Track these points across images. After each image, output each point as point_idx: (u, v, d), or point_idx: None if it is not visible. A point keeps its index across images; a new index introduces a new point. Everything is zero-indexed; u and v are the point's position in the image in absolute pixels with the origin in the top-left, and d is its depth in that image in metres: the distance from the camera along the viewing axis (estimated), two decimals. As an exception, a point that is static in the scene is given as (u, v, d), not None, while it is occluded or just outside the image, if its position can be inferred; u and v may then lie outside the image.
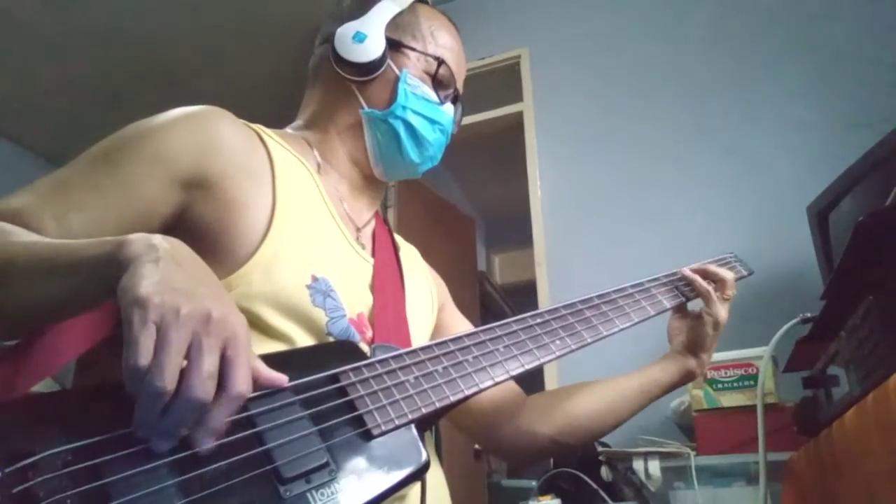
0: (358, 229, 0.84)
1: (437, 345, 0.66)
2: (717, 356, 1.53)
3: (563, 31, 2.74)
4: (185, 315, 0.45)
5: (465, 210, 3.82)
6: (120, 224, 0.63)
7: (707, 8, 2.49)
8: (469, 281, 3.47)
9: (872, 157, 1.36)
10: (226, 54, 3.33)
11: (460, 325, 0.98)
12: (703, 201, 2.24)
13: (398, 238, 0.95)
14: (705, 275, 0.95)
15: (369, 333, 0.74)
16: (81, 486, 0.43)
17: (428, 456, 0.58)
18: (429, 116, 0.85)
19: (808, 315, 1.06)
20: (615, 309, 0.84)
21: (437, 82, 0.87)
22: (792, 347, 1.07)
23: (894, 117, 1.79)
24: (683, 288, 0.95)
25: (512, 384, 0.92)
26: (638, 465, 1.52)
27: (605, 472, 1.57)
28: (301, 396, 0.54)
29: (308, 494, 0.49)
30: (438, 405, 0.61)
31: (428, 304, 0.92)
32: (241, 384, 0.47)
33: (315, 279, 0.70)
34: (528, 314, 0.76)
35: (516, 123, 2.70)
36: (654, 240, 2.21)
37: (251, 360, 0.49)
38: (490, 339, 0.70)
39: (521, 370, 0.69)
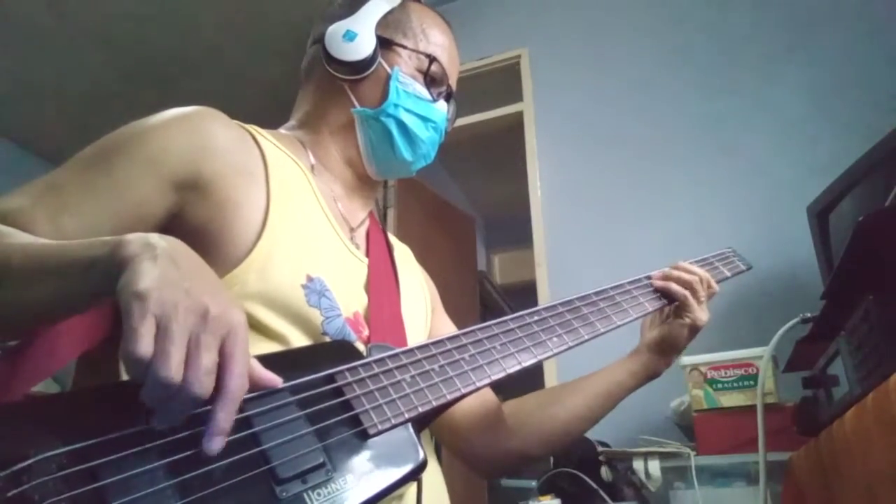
0: (352, 229, 0.84)
1: (433, 344, 0.66)
2: (717, 356, 1.53)
3: (563, 31, 2.74)
4: (184, 309, 0.45)
5: (464, 210, 3.82)
6: (114, 225, 0.63)
7: (707, 8, 2.49)
8: (469, 281, 3.47)
9: (872, 157, 1.35)
10: (225, 55, 3.33)
11: (448, 329, 0.97)
12: (704, 201, 2.24)
13: (392, 238, 0.95)
14: (678, 279, 0.91)
15: (365, 333, 0.74)
16: (76, 489, 0.43)
17: (425, 455, 0.58)
18: (421, 114, 0.85)
19: (808, 315, 1.05)
20: (613, 305, 0.84)
21: (430, 80, 0.87)
22: (792, 347, 1.07)
23: (894, 117, 1.79)
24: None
25: (488, 394, 0.92)
26: (638, 465, 1.51)
27: (605, 472, 1.57)
28: (297, 397, 0.54)
29: (304, 495, 0.49)
30: (435, 404, 0.60)
31: (423, 303, 0.92)
32: (239, 380, 0.47)
33: (310, 279, 0.70)
34: (526, 312, 0.76)
35: (516, 123, 2.70)
36: (654, 240, 2.21)
37: (247, 358, 0.49)
38: (487, 338, 0.70)
39: (517, 368, 0.69)
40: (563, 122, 2.61)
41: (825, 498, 0.91)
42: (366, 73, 0.83)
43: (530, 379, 0.87)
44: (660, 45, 2.52)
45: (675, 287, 0.90)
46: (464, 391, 0.63)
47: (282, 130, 0.88)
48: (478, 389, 0.65)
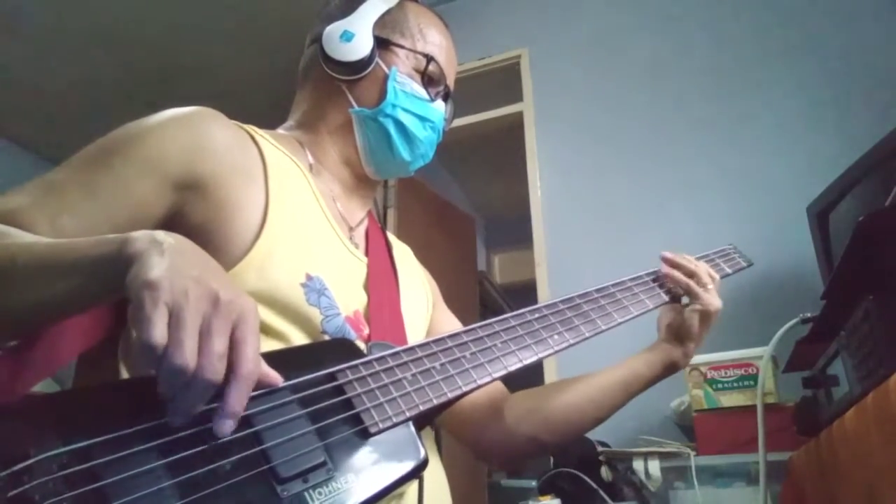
0: (351, 228, 0.84)
1: (434, 341, 0.66)
2: (717, 356, 1.53)
3: (563, 31, 2.74)
4: (195, 297, 0.45)
5: (464, 210, 3.82)
6: (113, 225, 0.63)
7: (708, 8, 2.49)
8: (469, 281, 3.47)
9: (872, 157, 1.35)
10: (224, 55, 3.33)
11: (451, 325, 0.97)
12: (703, 201, 2.24)
13: (391, 237, 0.95)
14: (681, 267, 0.92)
15: (366, 330, 0.74)
16: (77, 488, 0.43)
17: (426, 453, 0.58)
18: (419, 114, 0.85)
19: (808, 315, 1.05)
20: (614, 303, 0.84)
21: (427, 79, 0.87)
22: (792, 347, 1.07)
23: (894, 117, 1.79)
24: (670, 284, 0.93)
25: (496, 383, 0.92)
26: (638, 465, 1.52)
27: (605, 472, 1.57)
28: (298, 395, 0.54)
29: (306, 493, 0.49)
30: (436, 402, 0.60)
31: (423, 301, 0.92)
32: (251, 363, 0.47)
33: (309, 278, 0.70)
34: (526, 309, 0.76)
35: (516, 123, 2.70)
36: (654, 240, 2.21)
37: (259, 343, 0.49)
38: (488, 336, 0.70)
39: (519, 366, 0.69)
40: (563, 122, 2.61)
41: (825, 498, 0.91)
42: (363, 73, 0.83)
43: (531, 377, 0.86)
44: (660, 45, 2.52)
45: (677, 275, 0.90)
46: (465, 389, 0.63)
47: (280, 130, 0.88)
48: (479, 387, 0.65)
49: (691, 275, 0.91)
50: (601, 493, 1.50)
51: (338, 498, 0.50)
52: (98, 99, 3.50)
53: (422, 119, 0.85)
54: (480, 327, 0.70)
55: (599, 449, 1.60)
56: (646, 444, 1.57)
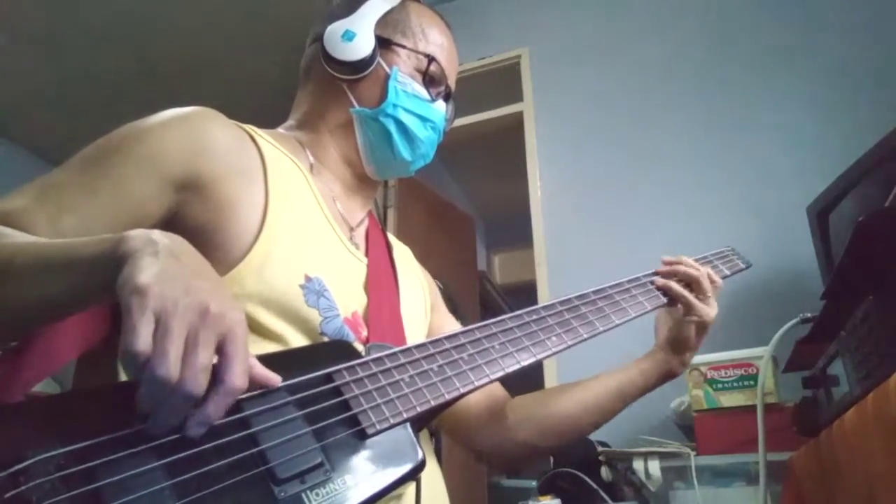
0: (351, 229, 0.84)
1: (431, 342, 0.66)
2: (717, 356, 1.53)
3: (563, 31, 2.74)
4: (183, 306, 0.45)
5: (464, 210, 3.82)
6: (112, 226, 0.63)
7: (707, 8, 2.49)
8: (469, 281, 3.47)
9: (872, 157, 1.35)
10: (224, 54, 3.33)
11: (451, 327, 0.97)
12: (703, 201, 2.24)
13: (392, 238, 0.94)
14: (681, 275, 0.91)
15: (365, 332, 0.74)
16: (74, 489, 0.43)
17: (423, 455, 0.58)
18: (420, 114, 0.85)
19: (808, 315, 1.05)
20: (612, 304, 0.83)
21: (429, 79, 0.87)
22: (792, 347, 1.07)
23: (894, 117, 1.79)
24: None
25: (497, 386, 0.92)
26: (638, 465, 1.51)
27: (605, 472, 1.57)
28: (295, 396, 0.54)
29: (303, 495, 0.49)
30: (433, 403, 0.60)
31: (422, 303, 0.92)
32: (237, 379, 0.47)
33: (308, 279, 0.70)
34: (524, 310, 0.75)
35: (516, 123, 2.70)
36: (654, 240, 2.21)
37: (247, 358, 0.49)
38: (486, 337, 0.69)
39: (516, 367, 0.69)
40: (563, 122, 2.61)
41: (825, 498, 0.91)
42: (365, 73, 0.83)
43: (529, 379, 0.87)
44: (660, 45, 2.52)
45: (675, 288, 0.89)
46: (462, 391, 0.63)
47: (280, 130, 0.88)
48: (476, 389, 0.65)
49: (692, 282, 0.90)
50: (601, 493, 1.50)
51: (335, 499, 0.50)
52: (98, 99, 3.50)
53: (423, 119, 0.85)
54: (478, 329, 0.70)
55: (599, 449, 1.59)
56: (646, 444, 1.57)
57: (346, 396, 0.56)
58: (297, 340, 0.68)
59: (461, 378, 0.64)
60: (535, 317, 0.75)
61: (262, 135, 0.78)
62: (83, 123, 3.51)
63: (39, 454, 0.43)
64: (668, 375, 0.92)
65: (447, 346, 0.66)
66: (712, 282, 0.91)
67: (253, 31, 3.20)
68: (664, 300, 0.90)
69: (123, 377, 0.63)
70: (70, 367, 0.65)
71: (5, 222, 0.60)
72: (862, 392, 0.74)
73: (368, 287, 0.78)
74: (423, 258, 1.02)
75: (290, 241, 0.71)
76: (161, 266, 0.46)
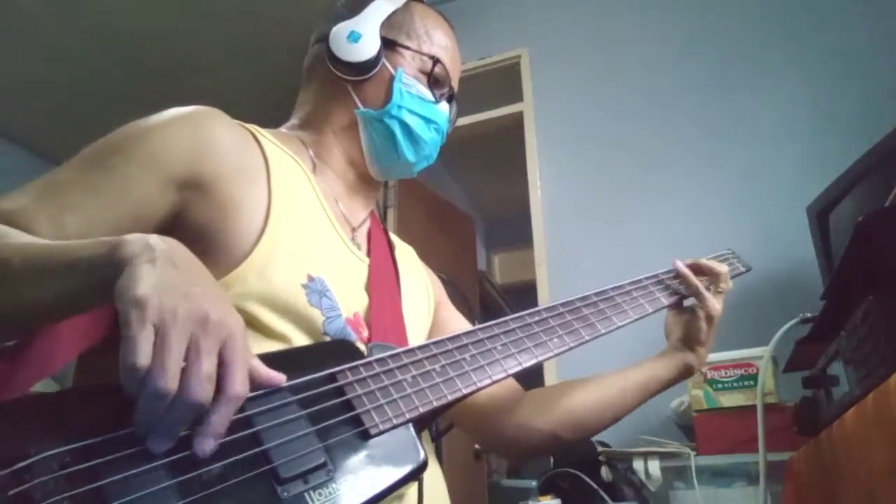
0: (353, 229, 0.84)
1: (434, 343, 0.66)
2: (717, 356, 1.53)
3: (563, 32, 2.74)
4: (182, 316, 0.44)
5: (464, 210, 3.82)
6: (114, 225, 0.63)
7: (707, 8, 2.49)
8: (469, 281, 3.47)
9: (872, 157, 1.35)
10: (225, 53, 3.33)
11: (458, 323, 0.97)
12: (703, 201, 2.24)
13: (394, 237, 0.94)
14: (698, 270, 0.94)
15: (366, 333, 0.74)
16: (77, 488, 0.43)
17: (426, 455, 0.58)
18: (424, 115, 0.85)
19: (808, 315, 1.05)
20: (613, 307, 0.84)
21: (433, 81, 0.86)
22: (792, 347, 1.07)
23: (894, 117, 1.79)
24: (679, 285, 0.94)
25: (511, 381, 0.92)
26: (638, 465, 1.52)
27: (605, 472, 1.57)
28: (298, 396, 0.54)
29: (306, 495, 0.49)
30: (436, 404, 0.60)
31: (424, 303, 0.92)
32: (238, 386, 0.46)
33: (311, 279, 0.70)
34: (527, 312, 0.76)
35: (516, 123, 2.70)
36: (654, 240, 2.21)
37: (249, 360, 0.49)
38: (488, 338, 0.70)
39: (518, 368, 0.69)
40: (563, 122, 2.61)
41: (825, 498, 0.91)
42: (369, 74, 0.83)
43: (529, 379, 0.87)
44: (660, 45, 2.52)
45: (691, 277, 0.92)
46: (465, 391, 0.63)
47: (283, 129, 0.87)
48: (479, 390, 0.65)
49: (714, 276, 0.93)
50: (601, 493, 1.50)
51: (338, 499, 0.50)
52: (98, 99, 3.50)
53: (427, 120, 0.85)
54: (480, 329, 0.70)
55: (599, 449, 1.60)
56: (646, 444, 1.57)
57: (349, 396, 0.57)
58: (300, 340, 0.67)
59: (463, 379, 0.64)
60: (537, 318, 0.75)
61: (264, 134, 0.78)
62: (83, 123, 3.51)
63: (42, 452, 0.43)
64: (687, 371, 0.94)
65: (449, 346, 0.66)
66: (719, 280, 0.94)
67: (253, 32, 3.20)
68: (665, 302, 0.91)
69: (124, 377, 0.63)
70: (70, 366, 0.65)
71: (6, 221, 0.59)
72: (862, 392, 0.74)
73: (370, 287, 0.78)
74: (423, 258, 1.02)
75: (293, 241, 0.71)
76: (158, 274, 0.46)
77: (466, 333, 0.69)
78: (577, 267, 2.34)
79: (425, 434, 0.76)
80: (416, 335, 0.83)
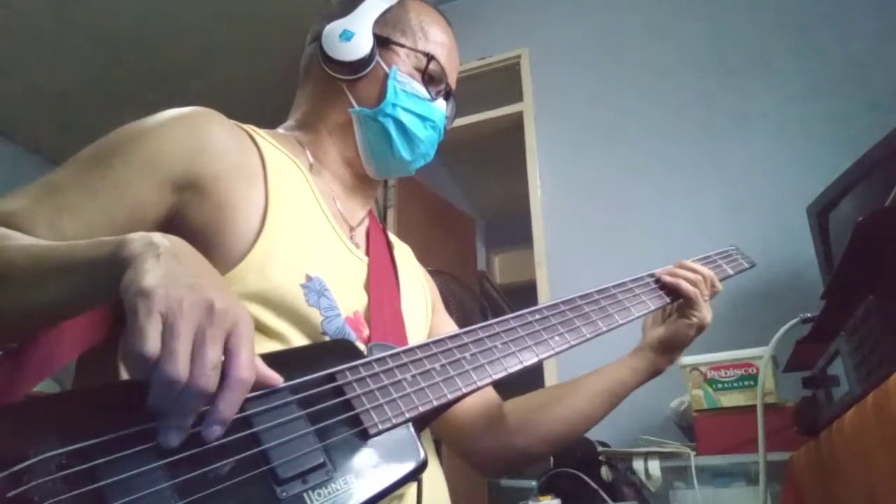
0: (352, 228, 0.84)
1: (434, 342, 0.66)
2: (717, 356, 1.53)
3: (563, 32, 2.74)
4: (189, 306, 0.45)
5: (464, 210, 3.82)
6: (112, 227, 0.63)
7: (708, 9, 2.49)
8: (469, 281, 3.47)
9: (872, 157, 1.35)
10: (224, 53, 3.33)
11: (449, 328, 0.97)
12: (703, 201, 2.24)
13: (392, 237, 0.94)
14: (686, 277, 0.91)
15: (366, 332, 0.74)
16: (77, 489, 0.43)
17: (426, 454, 0.58)
18: (420, 113, 0.84)
19: (808, 315, 1.05)
20: (614, 304, 0.83)
21: (428, 78, 0.86)
22: (792, 347, 1.07)
23: (894, 117, 1.79)
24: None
25: (489, 391, 0.92)
26: (638, 465, 1.52)
27: (605, 472, 1.57)
28: (298, 396, 0.54)
29: (305, 495, 0.49)
30: (436, 403, 0.60)
31: (423, 302, 0.92)
32: (245, 371, 0.47)
33: (309, 278, 0.70)
34: (527, 310, 0.75)
35: (516, 123, 2.70)
36: (654, 239, 2.21)
37: (253, 351, 0.49)
38: (488, 337, 0.69)
39: (519, 367, 0.69)
40: (563, 122, 2.61)
41: (825, 498, 0.91)
42: (363, 73, 0.83)
43: (531, 378, 0.86)
44: (660, 45, 2.52)
45: (685, 285, 0.90)
46: (465, 390, 0.63)
47: (280, 130, 0.87)
48: (479, 389, 0.65)
49: (694, 283, 0.91)
50: (601, 493, 1.50)
51: (337, 499, 0.50)
52: (98, 99, 3.50)
53: (422, 118, 0.85)
54: (480, 328, 0.70)
55: (599, 449, 1.60)
56: (646, 444, 1.57)
57: (349, 396, 0.56)
58: (299, 340, 0.67)
59: (463, 378, 0.64)
60: (537, 316, 0.75)
61: (262, 135, 0.78)
62: (83, 123, 3.52)
63: (41, 453, 0.43)
64: (655, 374, 0.93)
65: (449, 345, 0.66)
66: (713, 286, 0.93)
67: (252, 32, 3.20)
68: (667, 300, 0.90)
69: (124, 377, 0.63)
70: (70, 367, 0.65)
71: (5, 223, 0.60)
72: (862, 392, 0.74)
73: (369, 286, 0.78)
74: (423, 258, 1.02)
75: (291, 241, 0.71)
76: (164, 268, 0.46)
77: (466, 332, 0.69)
78: (577, 267, 2.34)
79: (425, 433, 0.76)
80: (416, 334, 0.82)
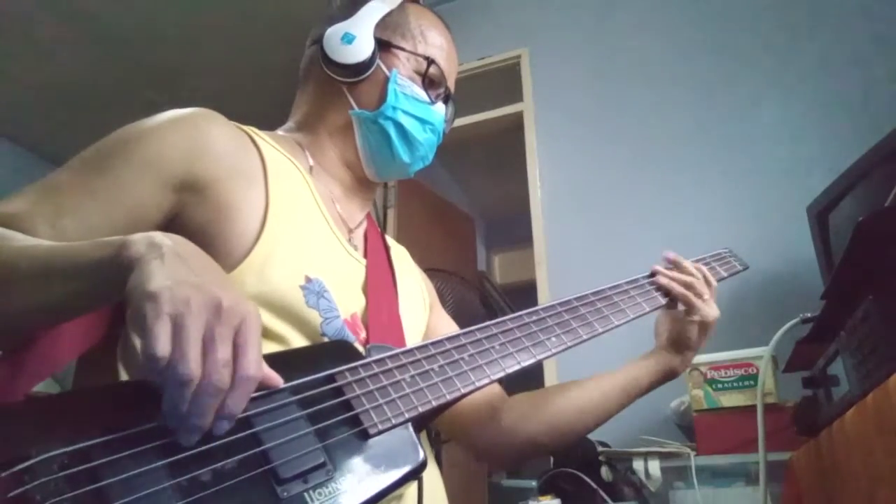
0: (350, 230, 0.84)
1: (432, 344, 0.66)
2: (717, 356, 1.53)
3: (563, 31, 2.74)
4: (196, 305, 0.45)
5: (464, 210, 3.82)
6: (112, 228, 0.63)
7: (707, 8, 2.49)
8: (469, 281, 3.47)
9: (872, 157, 1.35)
10: (224, 54, 3.33)
11: (448, 328, 0.97)
12: (703, 201, 2.24)
13: (389, 239, 0.95)
14: (679, 280, 0.91)
15: (363, 334, 0.74)
16: (78, 489, 0.43)
17: (425, 455, 0.58)
18: (419, 116, 0.85)
19: (808, 315, 1.05)
20: (611, 305, 0.84)
21: (428, 82, 0.87)
22: (792, 347, 1.07)
23: (894, 117, 1.79)
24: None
25: (494, 385, 0.92)
26: (638, 465, 1.52)
27: (605, 472, 1.57)
28: (298, 396, 0.54)
29: (305, 494, 0.49)
30: (435, 403, 0.61)
31: (420, 303, 0.92)
32: (252, 367, 0.47)
33: (308, 280, 0.70)
34: (525, 311, 0.76)
35: (516, 123, 2.70)
36: (654, 240, 2.21)
37: (260, 346, 0.49)
38: (486, 337, 0.70)
39: (516, 368, 0.69)
40: (563, 122, 2.61)
41: (825, 498, 0.91)
42: (364, 76, 0.83)
43: (530, 379, 0.87)
44: (660, 45, 2.52)
45: (677, 289, 0.90)
46: (463, 391, 0.64)
47: (280, 132, 0.88)
48: (477, 389, 0.65)
49: (688, 285, 0.91)
50: (601, 493, 1.50)
51: (337, 499, 0.50)
52: (98, 99, 3.50)
53: (422, 121, 0.85)
54: (478, 329, 0.70)
55: (599, 449, 1.60)
56: (646, 444, 1.57)
57: (348, 396, 0.57)
58: (299, 341, 0.68)
59: (462, 378, 0.64)
60: (534, 318, 0.75)
61: (262, 136, 0.78)
62: (83, 123, 3.52)
63: (43, 453, 0.43)
64: (671, 374, 0.93)
65: (448, 346, 0.66)
66: (707, 283, 0.93)
67: (253, 32, 3.20)
68: (662, 301, 0.91)
69: (124, 377, 0.63)
70: (70, 367, 0.65)
71: (5, 224, 0.60)
72: (862, 392, 0.74)
73: (367, 289, 0.78)
74: (423, 258, 1.03)
75: (291, 243, 0.71)
76: (168, 269, 0.46)
77: (464, 333, 0.69)
78: (577, 267, 2.34)
79: (424, 434, 0.76)
80: (413, 335, 0.83)
